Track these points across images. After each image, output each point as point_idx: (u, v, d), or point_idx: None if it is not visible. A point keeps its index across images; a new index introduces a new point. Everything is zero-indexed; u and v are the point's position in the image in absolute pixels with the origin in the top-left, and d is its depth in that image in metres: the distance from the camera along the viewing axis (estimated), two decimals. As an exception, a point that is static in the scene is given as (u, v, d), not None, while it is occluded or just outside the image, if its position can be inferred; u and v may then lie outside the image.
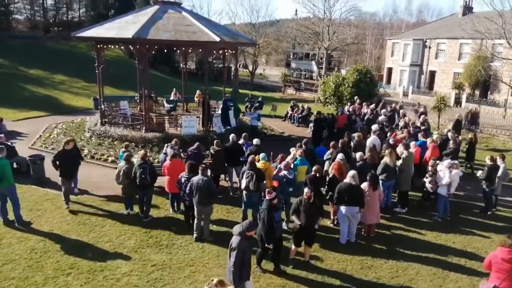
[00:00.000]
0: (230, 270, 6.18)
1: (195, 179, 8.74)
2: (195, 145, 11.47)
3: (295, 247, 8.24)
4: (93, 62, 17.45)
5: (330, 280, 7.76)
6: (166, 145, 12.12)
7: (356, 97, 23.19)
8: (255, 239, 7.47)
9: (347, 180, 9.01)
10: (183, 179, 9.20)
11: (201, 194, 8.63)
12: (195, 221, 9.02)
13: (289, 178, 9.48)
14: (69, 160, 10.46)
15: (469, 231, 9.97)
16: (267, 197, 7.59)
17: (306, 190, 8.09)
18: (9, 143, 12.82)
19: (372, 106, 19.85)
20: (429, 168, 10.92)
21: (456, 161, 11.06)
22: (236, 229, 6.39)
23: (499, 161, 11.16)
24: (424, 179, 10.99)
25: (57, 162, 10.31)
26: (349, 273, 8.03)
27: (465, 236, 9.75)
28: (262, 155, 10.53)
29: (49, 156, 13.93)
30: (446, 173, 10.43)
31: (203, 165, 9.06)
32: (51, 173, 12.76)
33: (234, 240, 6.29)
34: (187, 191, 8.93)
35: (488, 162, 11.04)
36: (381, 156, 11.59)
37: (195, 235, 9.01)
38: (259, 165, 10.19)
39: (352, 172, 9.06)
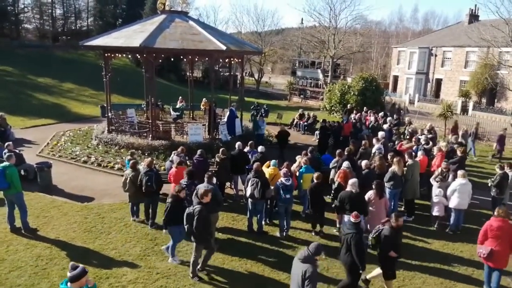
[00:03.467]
0: None
1: (201, 186, 8.75)
2: (199, 152, 11.49)
3: (390, 280, 7.47)
4: (101, 70, 17.65)
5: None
6: (173, 152, 12.18)
7: (348, 105, 23.59)
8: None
9: (348, 188, 8.98)
10: (183, 186, 9.25)
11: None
12: None
13: (286, 185, 9.47)
14: (206, 217, 7.57)
15: (476, 240, 9.83)
16: (353, 220, 7.03)
17: (400, 219, 7.28)
18: (16, 151, 12.95)
19: (381, 113, 19.89)
20: (441, 170, 10.81)
21: (462, 170, 10.70)
22: (303, 254, 5.90)
23: (507, 170, 11.08)
24: (433, 182, 10.77)
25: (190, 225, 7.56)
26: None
27: (473, 245, 9.59)
28: (273, 161, 10.59)
29: (56, 163, 14.12)
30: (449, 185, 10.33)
31: (209, 173, 9.08)
32: (58, 180, 12.92)
33: (304, 268, 5.75)
34: (193, 198, 8.95)
35: (498, 170, 10.97)
36: (388, 164, 11.54)
37: None
38: (269, 170, 10.21)
39: (352, 180, 9.02)
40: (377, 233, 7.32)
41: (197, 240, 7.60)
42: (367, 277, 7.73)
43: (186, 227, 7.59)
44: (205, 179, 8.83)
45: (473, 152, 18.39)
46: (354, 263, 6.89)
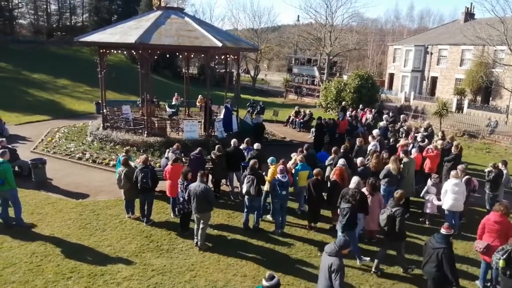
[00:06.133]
0: None
1: (193, 185, 8.69)
2: (197, 150, 11.48)
3: None
4: (96, 66, 17.54)
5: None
6: (168, 150, 12.14)
7: (343, 103, 23.66)
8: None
9: (350, 185, 8.98)
10: (179, 185, 9.27)
11: (198, 201, 8.56)
12: (195, 226, 8.99)
13: (283, 181, 9.49)
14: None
15: (470, 236, 9.89)
16: (444, 232, 6.75)
17: None
18: (10, 146, 12.86)
19: (374, 110, 19.97)
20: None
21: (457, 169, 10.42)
22: (330, 248, 5.97)
23: (501, 167, 11.15)
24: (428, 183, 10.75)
25: None
26: (349, 279, 7.99)
27: (467, 242, 9.70)
28: (270, 159, 10.55)
29: (51, 160, 14.06)
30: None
31: (202, 172, 9.01)
32: (53, 177, 12.86)
33: (331, 261, 5.81)
34: (185, 197, 8.94)
35: (491, 168, 11.02)
36: (384, 162, 11.54)
37: (195, 240, 8.98)
38: (271, 169, 10.17)
39: (356, 179, 9.01)
40: (506, 254, 6.56)
41: (397, 240, 7.89)
42: None
43: (386, 228, 7.85)
44: (198, 178, 8.74)
45: None
46: (444, 277, 6.58)
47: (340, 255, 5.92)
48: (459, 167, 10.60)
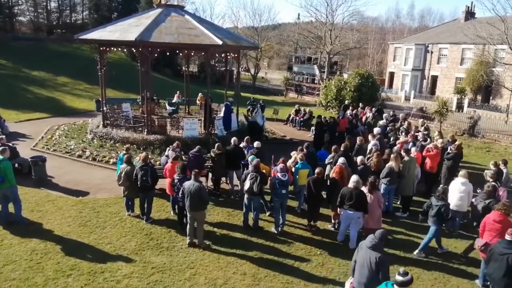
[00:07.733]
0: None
1: (187, 184, 8.63)
2: (196, 148, 11.47)
3: None
4: (96, 64, 17.52)
5: (330, 285, 7.74)
6: (168, 148, 12.13)
7: (346, 101, 23.57)
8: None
9: (349, 185, 8.99)
10: (175, 180, 9.22)
11: (192, 199, 8.49)
12: (188, 225, 8.87)
13: (282, 180, 9.47)
14: None
15: (470, 236, 9.90)
16: (509, 238, 6.50)
17: None
18: (10, 144, 12.85)
19: (374, 109, 19.96)
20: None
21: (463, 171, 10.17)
22: (372, 242, 5.98)
23: (501, 166, 11.14)
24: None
25: None
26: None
27: (467, 241, 9.68)
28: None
29: (51, 157, 14.06)
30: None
31: (196, 170, 8.92)
32: (53, 174, 12.86)
33: (377, 255, 5.85)
34: (180, 194, 8.91)
35: (492, 167, 11.00)
36: (384, 160, 11.53)
37: (188, 240, 8.88)
38: None
39: (354, 177, 9.02)
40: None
41: None
42: None
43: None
44: (192, 176, 8.66)
45: None
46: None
47: (382, 248, 6.08)
48: (487, 172, 10.29)
